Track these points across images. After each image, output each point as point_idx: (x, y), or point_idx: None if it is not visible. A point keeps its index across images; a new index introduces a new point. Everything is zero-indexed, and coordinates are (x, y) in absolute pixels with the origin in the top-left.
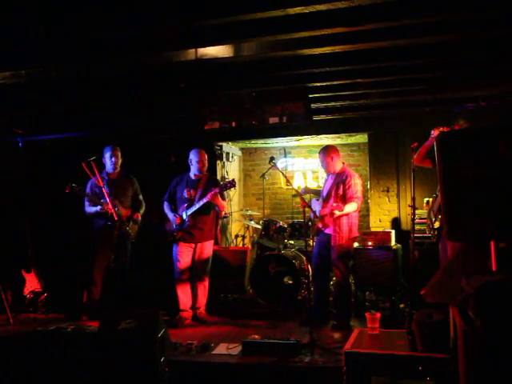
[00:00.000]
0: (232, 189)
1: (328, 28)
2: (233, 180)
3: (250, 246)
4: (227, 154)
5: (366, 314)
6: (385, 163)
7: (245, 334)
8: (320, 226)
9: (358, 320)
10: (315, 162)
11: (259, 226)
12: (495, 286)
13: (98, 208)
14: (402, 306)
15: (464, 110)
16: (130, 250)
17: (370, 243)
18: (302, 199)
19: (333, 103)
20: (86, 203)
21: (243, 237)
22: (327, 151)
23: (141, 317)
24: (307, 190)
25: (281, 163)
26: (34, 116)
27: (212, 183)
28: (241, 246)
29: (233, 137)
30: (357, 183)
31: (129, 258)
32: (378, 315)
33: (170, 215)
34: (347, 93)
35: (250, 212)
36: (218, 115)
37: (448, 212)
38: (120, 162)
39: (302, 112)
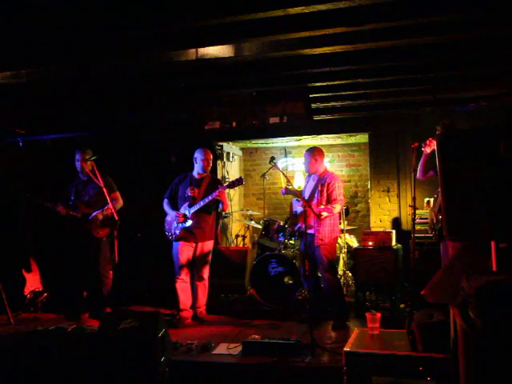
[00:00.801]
0: (236, 188)
1: (328, 28)
2: (240, 178)
3: (250, 246)
4: (228, 153)
5: (367, 314)
6: (385, 163)
7: (245, 334)
8: (302, 226)
9: (358, 320)
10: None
11: (259, 226)
12: (495, 286)
13: (55, 209)
14: (402, 306)
15: (464, 110)
16: (103, 251)
17: (370, 243)
18: (303, 199)
19: (333, 103)
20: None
21: (243, 237)
22: (313, 152)
23: (141, 317)
24: (288, 191)
25: (281, 163)
26: (34, 116)
27: (215, 182)
28: (241, 245)
29: (233, 137)
30: (340, 186)
31: (103, 258)
32: (379, 315)
33: (172, 213)
34: (348, 93)
35: (250, 212)
36: (219, 115)
37: (448, 212)
38: (89, 165)
39: (303, 112)
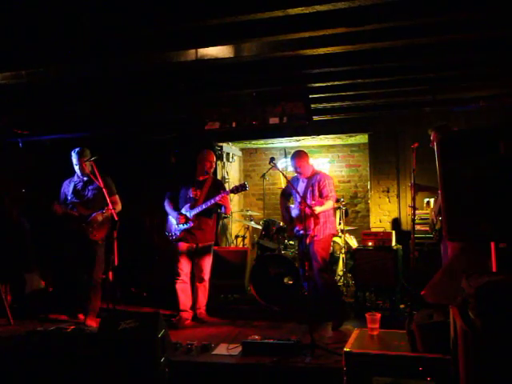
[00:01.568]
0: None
1: (328, 28)
2: (244, 183)
3: (250, 247)
4: (227, 154)
5: (366, 315)
6: (385, 164)
7: (245, 335)
8: (300, 228)
9: (358, 320)
10: (315, 162)
11: (259, 227)
12: (495, 286)
13: (52, 209)
14: (402, 306)
15: (463, 110)
16: (99, 254)
17: (370, 244)
18: (303, 199)
19: (333, 104)
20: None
21: (243, 237)
22: (302, 155)
23: (141, 317)
24: (285, 191)
25: (281, 164)
26: (34, 116)
27: (218, 185)
28: (241, 246)
29: (233, 137)
30: (330, 183)
31: (98, 262)
32: (378, 316)
33: (173, 213)
34: (347, 93)
35: (250, 212)
36: (219, 115)
37: (448, 212)
38: (88, 166)
39: (303, 112)
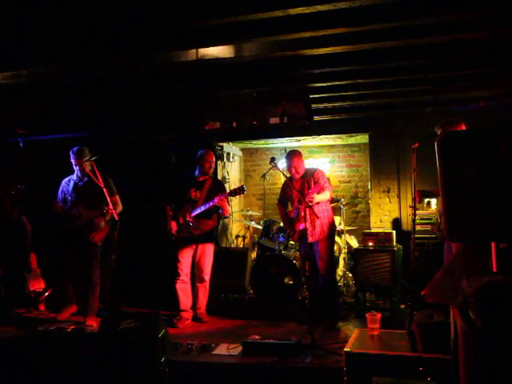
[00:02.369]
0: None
1: (329, 28)
2: (242, 187)
3: (250, 247)
4: (228, 154)
5: (367, 315)
6: (385, 164)
7: (245, 335)
8: (302, 228)
9: (358, 320)
10: (316, 162)
11: (260, 227)
12: (496, 286)
13: (52, 208)
14: (402, 306)
15: (464, 110)
16: (96, 255)
17: (370, 244)
18: (303, 200)
19: (334, 104)
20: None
21: (244, 237)
22: (298, 154)
23: (141, 317)
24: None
25: (281, 163)
26: (35, 116)
27: (217, 186)
28: (241, 246)
29: (233, 137)
30: (323, 175)
31: (95, 263)
32: (379, 316)
33: (168, 219)
34: (348, 93)
35: (250, 212)
36: (219, 115)
37: (449, 212)
38: (87, 166)
39: (303, 112)
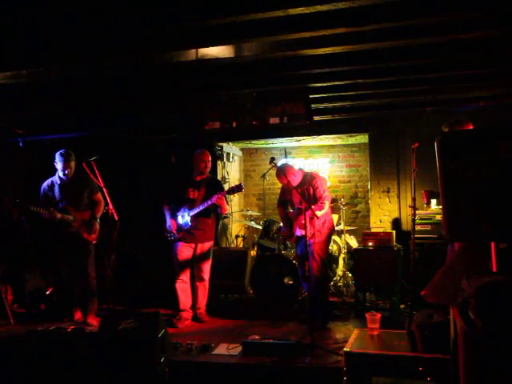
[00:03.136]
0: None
1: (329, 28)
2: (240, 184)
3: (250, 247)
4: (228, 154)
5: (367, 315)
6: (385, 164)
7: (245, 335)
8: (299, 232)
9: (358, 320)
10: (316, 162)
11: (259, 227)
12: (496, 286)
13: (46, 215)
14: (402, 306)
15: (464, 110)
16: (91, 252)
17: (370, 244)
18: (303, 200)
19: (333, 104)
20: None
21: (243, 237)
22: (287, 168)
23: (141, 317)
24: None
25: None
26: (35, 116)
27: (216, 185)
28: (241, 246)
29: (233, 137)
30: (322, 183)
31: (91, 260)
32: (379, 316)
33: (168, 220)
34: (348, 93)
35: (250, 212)
36: (219, 115)
37: (448, 212)
38: (73, 168)
39: (303, 112)
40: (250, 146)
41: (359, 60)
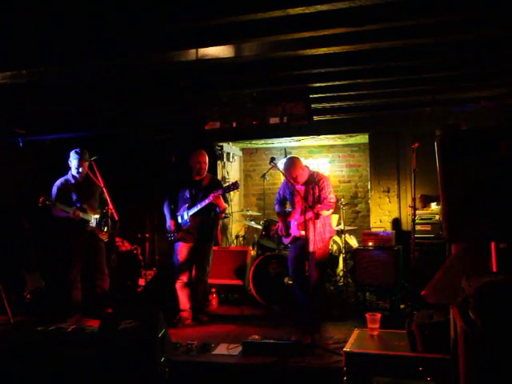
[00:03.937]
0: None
1: (329, 28)
2: (236, 182)
3: (250, 247)
4: (228, 154)
5: (367, 315)
6: (385, 164)
7: (245, 334)
8: (297, 233)
9: (358, 320)
10: (316, 162)
11: (259, 227)
12: (496, 286)
13: (64, 215)
14: (402, 306)
15: (464, 110)
16: (104, 250)
17: (370, 244)
18: (303, 199)
19: (333, 103)
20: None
21: (243, 237)
22: (297, 162)
23: (141, 317)
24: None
25: (281, 163)
26: (34, 116)
27: (214, 184)
28: (241, 246)
29: (233, 137)
30: (329, 184)
31: (104, 258)
32: (379, 316)
33: (168, 220)
34: (348, 93)
35: (250, 212)
36: (219, 115)
37: (449, 212)
38: (86, 167)
39: (303, 112)
40: (250, 145)
41: (359, 60)
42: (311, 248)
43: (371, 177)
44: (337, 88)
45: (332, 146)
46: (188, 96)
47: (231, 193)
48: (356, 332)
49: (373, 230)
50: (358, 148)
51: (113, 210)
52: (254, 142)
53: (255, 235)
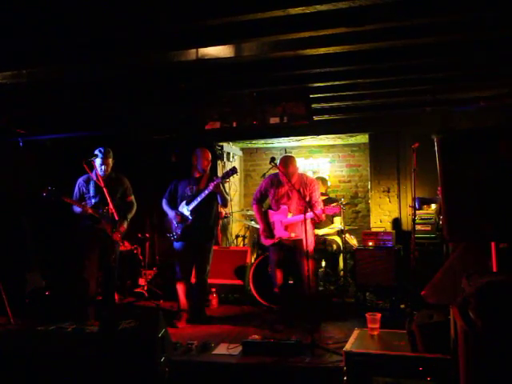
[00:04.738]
0: (234, 175)
1: (329, 28)
2: (234, 167)
3: (250, 246)
4: (228, 154)
5: (367, 315)
6: (385, 163)
7: (245, 334)
8: (285, 234)
9: (358, 320)
10: (316, 162)
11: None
12: (496, 286)
13: (79, 210)
14: (402, 306)
15: (464, 110)
16: (117, 250)
17: (370, 243)
18: (303, 199)
19: (333, 103)
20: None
21: (244, 237)
22: (293, 161)
23: (141, 317)
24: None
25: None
26: (35, 116)
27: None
28: (241, 246)
29: (233, 137)
30: (318, 188)
31: (116, 257)
32: (379, 316)
33: (171, 213)
34: (348, 93)
35: (250, 212)
36: (219, 115)
37: (449, 212)
38: (111, 165)
39: (303, 112)
40: (250, 145)
41: (359, 60)
42: (305, 247)
43: (371, 177)
44: (337, 88)
45: (332, 146)
46: (188, 96)
47: (231, 192)
48: (356, 332)
49: (373, 229)
50: (358, 148)
51: (113, 210)
52: (254, 141)
53: (255, 235)
